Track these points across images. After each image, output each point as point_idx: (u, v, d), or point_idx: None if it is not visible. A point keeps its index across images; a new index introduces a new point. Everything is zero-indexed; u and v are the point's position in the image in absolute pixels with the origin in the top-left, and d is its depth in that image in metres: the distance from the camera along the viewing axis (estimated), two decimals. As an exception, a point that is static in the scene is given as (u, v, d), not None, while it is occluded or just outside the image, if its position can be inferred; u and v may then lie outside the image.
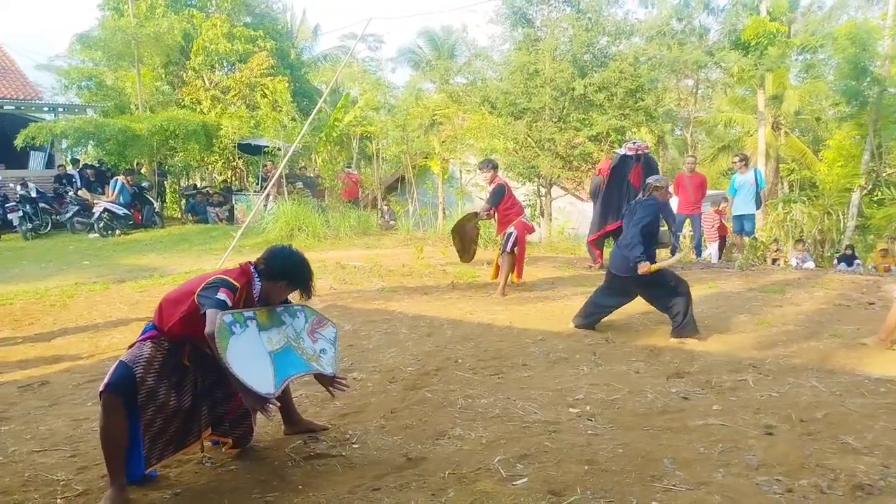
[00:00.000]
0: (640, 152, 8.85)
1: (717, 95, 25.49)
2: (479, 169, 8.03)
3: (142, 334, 3.09)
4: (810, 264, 12.54)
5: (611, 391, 4.24)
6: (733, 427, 3.59)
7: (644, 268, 5.36)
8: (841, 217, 18.75)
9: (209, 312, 2.87)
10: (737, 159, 10.86)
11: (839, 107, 20.40)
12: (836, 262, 14.74)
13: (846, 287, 7.79)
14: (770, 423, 3.64)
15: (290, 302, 3.43)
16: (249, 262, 3.24)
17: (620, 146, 9.96)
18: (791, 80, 23.94)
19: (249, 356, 2.90)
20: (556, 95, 13.43)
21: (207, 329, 2.82)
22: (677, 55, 17.08)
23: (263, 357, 2.99)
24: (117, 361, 2.94)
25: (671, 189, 10.15)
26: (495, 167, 7.81)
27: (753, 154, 20.84)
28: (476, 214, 8.15)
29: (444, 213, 15.67)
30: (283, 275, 3.19)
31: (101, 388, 2.85)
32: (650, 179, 5.90)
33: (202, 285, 3.00)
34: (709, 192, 11.67)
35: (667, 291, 5.56)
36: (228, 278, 3.06)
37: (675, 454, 3.23)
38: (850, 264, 13.06)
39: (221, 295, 2.95)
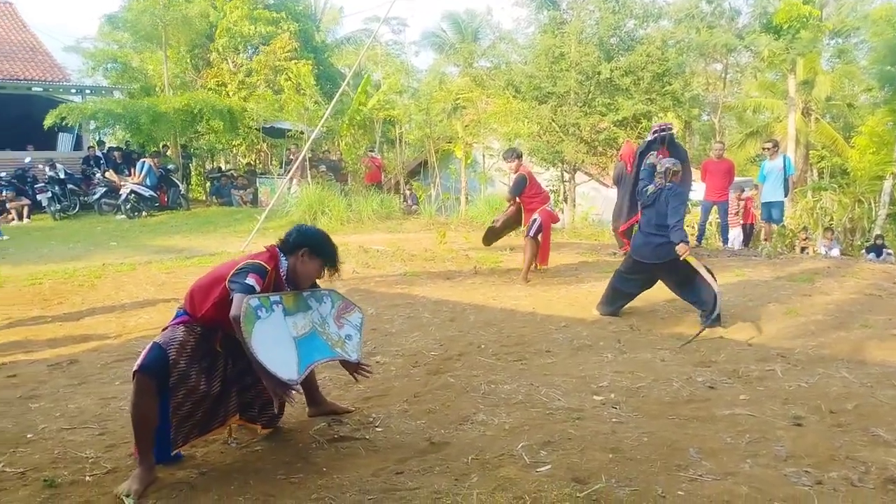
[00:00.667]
0: (663, 133, 8.66)
1: (746, 80, 25.03)
2: (504, 158, 7.96)
3: (174, 319, 3.10)
4: (835, 251, 12.32)
5: (636, 379, 4.20)
6: (761, 417, 3.54)
7: (684, 249, 5.37)
8: (872, 205, 18.37)
9: (236, 297, 2.87)
10: (768, 144, 10.62)
11: (872, 92, 19.92)
12: (864, 252, 14.47)
13: (877, 277, 7.63)
14: (799, 413, 3.58)
15: (318, 286, 3.42)
16: (274, 245, 3.23)
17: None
18: (822, 65, 23.43)
19: (274, 341, 2.90)
20: (582, 79, 13.28)
21: (233, 312, 2.83)
22: (706, 38, 16.77)
23: (288, 342, 2.99)
24: (151, 343, 2.96)
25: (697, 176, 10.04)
26: (519, 156, 7.75)
27: (783, 140, 20.45)
28: (494, 222, 8.22)
29: (467, 198, 15.62)
30: (301, 244, 3.18)
31: (134, 369, 2.87)
32: (668, 164, 5.80)
33: (232, 271, 3.00)
34: (736, 178, 11.48)
35: (693, 280, 5.50)
36: (258, 262, 3.07)
37: (702, 444, 3.19)
38: (879, 255, 12.80)
39: (250, 280, 2.95)
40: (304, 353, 3.03)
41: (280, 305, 3.04)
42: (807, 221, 16.78)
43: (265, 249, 3.21)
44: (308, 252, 3.19)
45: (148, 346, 2.94)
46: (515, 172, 7.63)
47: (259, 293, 2.97)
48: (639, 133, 13.20)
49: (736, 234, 11.72)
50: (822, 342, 5.01)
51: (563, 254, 9.18)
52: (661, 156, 7.85)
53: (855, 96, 24.19)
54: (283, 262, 3.17)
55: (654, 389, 4.02)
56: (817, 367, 4.42)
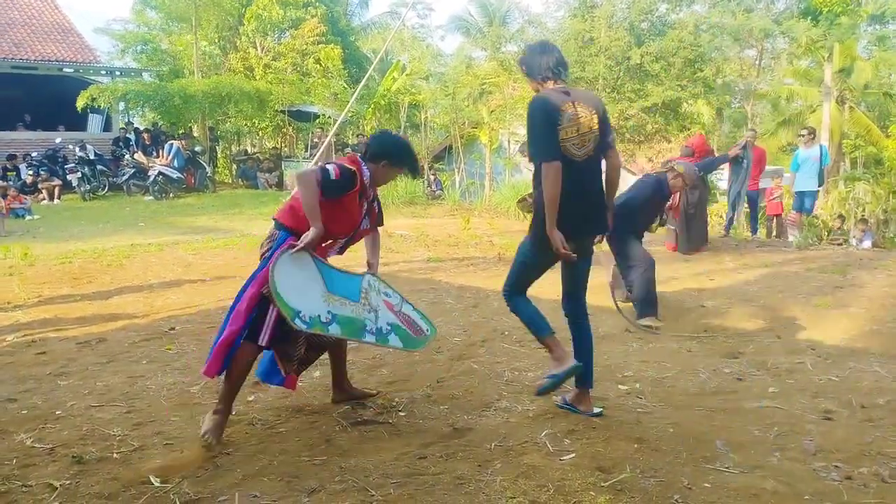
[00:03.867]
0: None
1: (781, 67, 24.48)
2: (521, 153, 7.72)
3: (277, 246, 3.12)
4: (867, 243, 12.05)
5: (661, 369, 4.16)
6: (790, 410, 3.48)
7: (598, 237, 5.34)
8: (908, 197, 17.91)
9: (313, 169, 3.11)
10: (805, 132, 10.38)
11: (910, 80, 19.37)
12: (898, 244, 14.13)
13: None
14: (829, 407, 3.52)
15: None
16: (355, 153, 3.39)
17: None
18: (860, 52, 22.83)
19: (303, 277, 3.05)
20: (611, 65, 13.12)
21: (301, 173, 3.11)
22: (742, 23, 16.40)
23: (315, 292, 3.09)
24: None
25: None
26: None
27: (817, 129, 20.00)
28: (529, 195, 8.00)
29: (492, 184, 15.53)
30: (382, 155, 3.30)
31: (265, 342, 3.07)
32: (675, 163, 5.76)
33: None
34: (767, 167, 11.26)
35: (629, 264, 5.38)
36: (342, 163, 3.23)
37: (729, 436, 3.14)
38: (913, 246, 12.49)
39: (330, 167, 3.13)
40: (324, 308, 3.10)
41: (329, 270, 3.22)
42: (840, 212, 16.42)
43: (347, 156, 3.38)
44: (389, 163, 3.33)
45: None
46: None
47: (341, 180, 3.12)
48: (666, 120, 13.01)
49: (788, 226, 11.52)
50: (854, 335, 4.91)
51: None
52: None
53: (893, 84, 23.55)
54: (366, 170, 3.28)
55: (680, 380, 3.97)
56: (848, 360, 4.33)
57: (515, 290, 3.52)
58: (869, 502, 2.58)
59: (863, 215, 16.31)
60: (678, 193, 7.45)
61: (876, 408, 3.53)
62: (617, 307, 5.37)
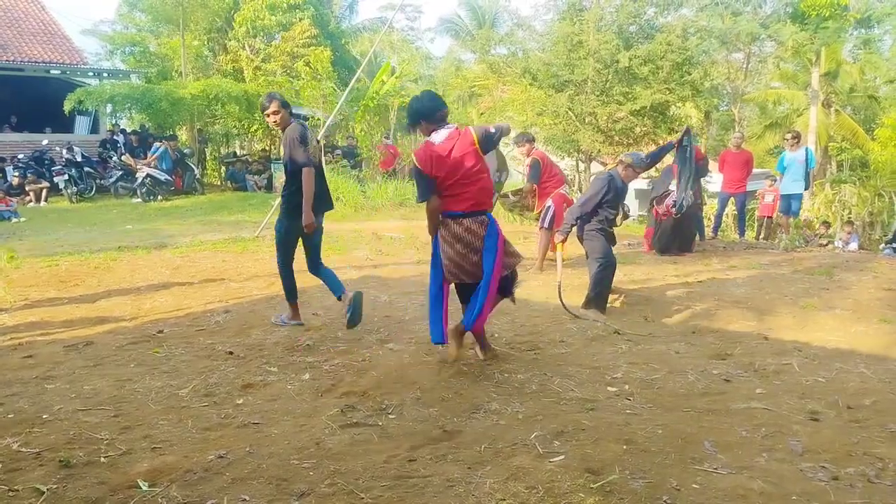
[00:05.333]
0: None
1: (768, 70, 24.67)
2: (515, 143, 7.83)
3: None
4: (854, 245, 12.16)
5: (650, 371, 4.18)
6: (777, 411, 3.51)
7: (558, 238, 5.86)
8: (893, 199, 18.10)
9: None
10: (789, 135, 10.47)
11: (895, 84, 19.58)
12: (883, 246, 14.26)
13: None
14: (816, 408, 3.55)
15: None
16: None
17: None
18: (845, 56, 23.03)
19: None
20: (600, 68, 13.15)
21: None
22: (730, 26, 16.50)
23: None
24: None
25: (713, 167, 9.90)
26: (531, 140, 7.65)
27: (803, 132, 20.16)
28: (511, 194, 7.96)
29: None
30: (416, 118, 4.10)
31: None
32: (623, 155, 6.11)
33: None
34: (755, 170, 11.34)
35: (593, 258, 5.71)
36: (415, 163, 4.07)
37: (717, 437, 3.16)
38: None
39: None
40: None
41: None
42: (826, 214, 16.58)
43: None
44: (427, 122, 4.14)
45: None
46: (528, 156, 7.54)
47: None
48: (655, 123, 13.06)
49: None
50: (840, 337, 4.95)
51: (577, 243, 9.10)
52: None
53: (878, 88, 23.78)
54: (426, 145, 4.12)
55: (668, 381, 3.99)
56: (835, 361, 4.37)
57: (285, 262, 5.06)
58: (856, 502, 2.60)
59: (849, 218, 16.47)
60: (669, 199, 7.61)
61: (862, 408, 3.57)
62: (560, 300, 5.60)
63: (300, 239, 5.00)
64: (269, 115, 4.78)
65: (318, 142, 4.83)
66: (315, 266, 5.09)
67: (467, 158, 3.96)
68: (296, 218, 4.78)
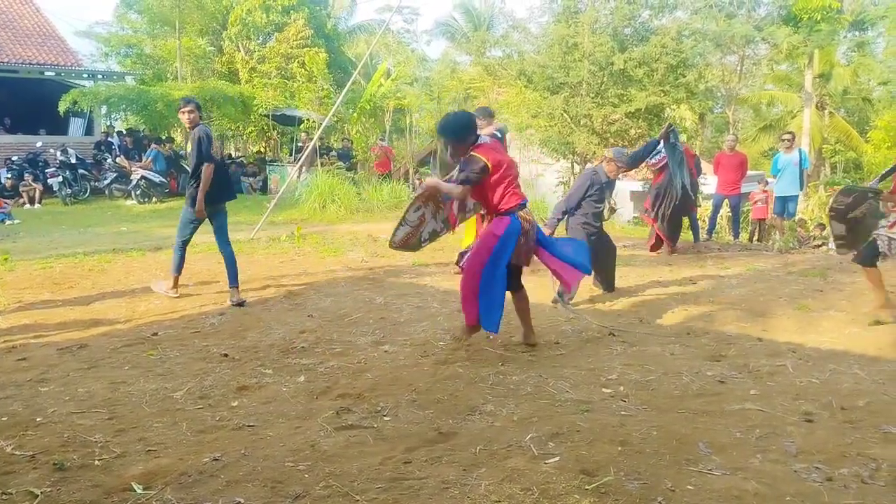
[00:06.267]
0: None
1: (762, 72, 24.76)
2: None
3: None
4: (845, 246, 12.19)
5: (645, 372, 4.18)
6: (771, 413, 3.52)
7: (546, 232, 5.85)
8: (886, 201, 18.16)
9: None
10: (786, 137, 10.48)
11: (889, 85, 19.67)
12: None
13: (889, 273, 7.55)
14: (809, 409, 3.56)
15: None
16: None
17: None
18: (839, 58, 23.14)
19: None
20: (595, 70, 13.16)
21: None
22: (724, 29, 16.54)
23: None
24: None
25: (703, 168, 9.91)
26: (491, 115, 7.15)
27: (797, 134, 20.24)
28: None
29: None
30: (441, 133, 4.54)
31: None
32: (606, 151, 6.39)
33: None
34: (749, 172, 11.38)
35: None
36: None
37: (711, 438, 3.17)
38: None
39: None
40: None
41: None
42: (819, 216, 16.62)
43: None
44: (450, 141, 4.50)
45: None
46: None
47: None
48: (650, 125, 13.09)
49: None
50: (834, 338, 4.97)
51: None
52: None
53: (871, 90, 23.88)
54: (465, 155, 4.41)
55: (663, 383, 4.00)
56: (829, 363, 4.38)
57: (183, 242, 6.01)
58: (849, 503, 2.61)
59: (843, 219, 16.48)
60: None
61: (856, 409, 3.58)
62: (556, 295, 5.88)
63: (210, 222, 5.92)
64: (183, 114, 5.79)
65: (221, 143, 5.56)
66: (221, 245, 6.01)
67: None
68: (192, 206, 5.81)
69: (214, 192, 5.79)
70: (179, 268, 6.06)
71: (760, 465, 2.91)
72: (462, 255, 6.49)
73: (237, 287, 5.91)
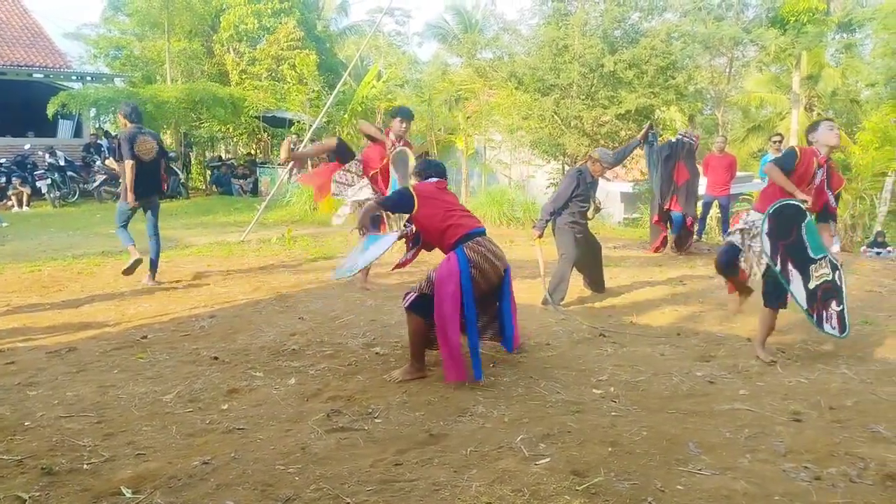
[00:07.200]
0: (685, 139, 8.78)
1: (751, 74, 24.90)
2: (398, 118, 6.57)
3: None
4: (836, 247, 12.28)
5: (635, 373, 4.20)
6: (760, 412, 3.54)
7: (535, 234, 6.08)
8: (875, 202, 18.31)
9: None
10: (777, 138, 10.56)
11: (876, 87, 19.81)
12: (865, 248, 14.43)
13: (878, 273, 7.62)
14: (798, 409, 3.59)
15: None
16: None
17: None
18: (828, 60, 23.30)
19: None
20: (585, 72, 13.18)
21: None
22: (713, 31, 16.63)
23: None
24: None
25: (701, 169, 10.00)
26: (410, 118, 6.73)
27: (786, 136, 20.36)
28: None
29: (468, 190, 15.57)
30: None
31: None
32: (591, 151, 6.45)
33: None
34: (738, 173, 11.42)
35: (558, 251, 6.08)
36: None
37: (701, 438, 3.19)
38: (880, 251, 12.76)
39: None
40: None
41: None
42: (808, 217, 16.75)
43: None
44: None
45: None
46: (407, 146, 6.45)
47: None
48: (640, 127, 13.12)
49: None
50: (822, 338, 4.99)
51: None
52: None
53: (859, 91, 24.05)
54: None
55: (653, 383, 4.02)
56: (817, 363, 4.42)
57: (123, 226, 6.91)
58: (837, 502, 2.63)
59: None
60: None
61: (844, 409, 3.61)
62: (546, 295, 5.99)
63: (144, 212, 6.90)
64: (120, 116, 6.82)
65: (158, 142, 6.88)
66: (150, 233, 6.91)
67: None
68: (125, 198, 6.75)
69: (142, 186, 6.65)
70: (130, 240, 6.86)
71: (750, 465, 2.93)
72: None
73: (154, 274, 6.93)
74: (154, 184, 6.92)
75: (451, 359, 3.86)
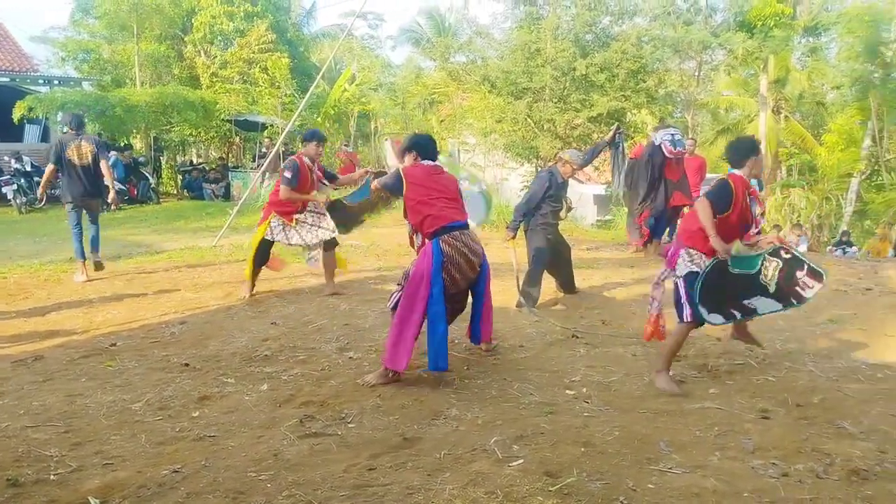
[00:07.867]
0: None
1: (719, 78, 25.27)
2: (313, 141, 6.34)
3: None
4: (803, 247, 12.52)
5: (607, 373, 4.24)
6: (729, 411, 3.59)
7: (508, 235, 6.17)
8: (840, 202, 18.70)
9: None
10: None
11: (842, 90, 20.23)
12: (831, 247, 14.72)
13: (844, 272, 7.77)
14: (766, 407, 3.65)
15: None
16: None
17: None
18: (794, 63, 23.72)
19: None
20: (557, 75, 13.29)
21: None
22: (682, 35, 16.86)
23: None
24: None
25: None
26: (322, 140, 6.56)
27: (757, 138, 20.63)
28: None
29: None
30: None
31: None
32: (561, 152, 6.54)
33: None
34: (708, 175, 11.59)
35: (531, 256, 6.14)
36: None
37: (672, 437, 3.23)
38: (844, 251, 13.03)
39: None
40: None
41: None
42: (776, 218, 17.02)
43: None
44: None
45: None
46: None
47: None
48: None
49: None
50: (789, 336, 5.10)
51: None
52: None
53: (825, 94, 24.53)
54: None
55: (625, 384, 4.06)
56: (784, 361, 4.50)
57: (75, 226, 7.27)
58: (804, 498, 2.68)
59: (798, 220, 16.94)
60: None
61: (811, 406, 3.68)
62: (520, 295, 6.08)
63: (86, 211, 7.34)
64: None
65: (98, 145, 7.30)
66: (88, 226, 7.37)
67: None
68: (63, 199, 7.43)
69: (78, 189, 7.16)
70: (81, 254, 7.24)
71: (719, 463, 2.97)
72: None
73: (97, 253, 7.42)
74: (92, 188, 7.24)
75: (394, 346, 3.95)
